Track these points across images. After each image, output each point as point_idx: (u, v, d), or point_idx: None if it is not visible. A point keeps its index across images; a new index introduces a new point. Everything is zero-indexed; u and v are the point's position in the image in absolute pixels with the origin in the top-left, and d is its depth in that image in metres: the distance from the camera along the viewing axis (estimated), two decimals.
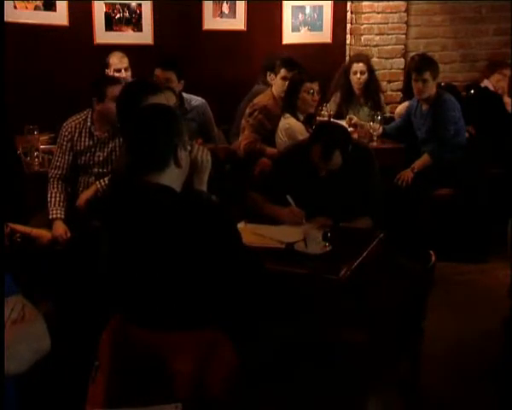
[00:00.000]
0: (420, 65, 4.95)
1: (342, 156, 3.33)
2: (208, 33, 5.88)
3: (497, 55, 6.25)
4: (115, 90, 3.75)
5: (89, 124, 3.87)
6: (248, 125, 4.86)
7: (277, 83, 4.95)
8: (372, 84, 5.48)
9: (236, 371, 2.21)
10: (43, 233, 3.68)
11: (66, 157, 3.88)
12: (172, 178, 2.18)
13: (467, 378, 3.30)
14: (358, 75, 5.44)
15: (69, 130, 3.88)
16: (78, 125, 3.88)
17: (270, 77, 5.34)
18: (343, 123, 5.32)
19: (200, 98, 4.86)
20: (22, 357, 1.31)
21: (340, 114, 5.44)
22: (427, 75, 4.80)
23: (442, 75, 5.20)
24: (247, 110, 4.93)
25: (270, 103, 4.84)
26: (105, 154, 3.87)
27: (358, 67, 5.45)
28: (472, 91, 5.61)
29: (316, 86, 4.61)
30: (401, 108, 5.48)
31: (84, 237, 3.58)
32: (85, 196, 3.81)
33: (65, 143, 3.88)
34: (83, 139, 3.87)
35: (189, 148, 2.29)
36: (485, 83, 5.78)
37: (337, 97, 5.57)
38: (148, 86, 2.98)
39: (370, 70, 5.49)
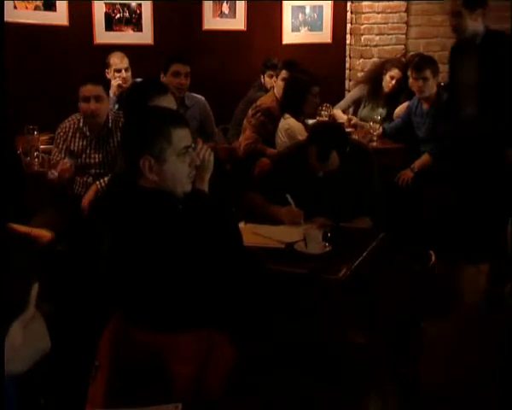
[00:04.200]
0: (420, 63, 4.95)
1: (339, 156, 3.32)
2: (208, 33, 5.88)
3: None
4: (83, 91, 3.78)
5: (81, 125, 3.88)
6: (250, 126, 4.87)
7: (278, 84, 4.96)
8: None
9: (236, 370, 2.21)
10: (43, 233, 3.67)
11: (62, 155, 3.90)
12: (155, 183, 2.13)
13: (467, 378, 3.30)
14: (393, 82, 5.40)
15: (64, 130, 3.91)
16: (72, 126, 3.90)
17: (264, 77, 5.36)
18: (344, 118, 5.36)
19: (199, 96, 4.87)
20: (22, 357, 1.31)
21: (357, 105, 5.51)
22: (428, 73, 4.80)
23: (442, 75, 5.20)
24: (250, 111, 4.94)
25: (272, 105, 4.85)
26: (100, 155, 3.88)
27: (394, 73, 5.40)
28: None
29: (318, 89, 4.64)
30: (400, 108, 5.48)
31: (84, 237, 3.58)
32: (88, 197, 3.82)
33: (61, 142, 3.91)
34: (76, 140, 3.89)
35: (193, 145, 2.26)
36: None
37: (363, 89, 5.58)
38: (157, 86, 2.98)
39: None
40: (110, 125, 3.88)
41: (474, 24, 3.96)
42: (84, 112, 3.84)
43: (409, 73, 5.23)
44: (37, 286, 1.21)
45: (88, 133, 3.87)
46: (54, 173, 3.75)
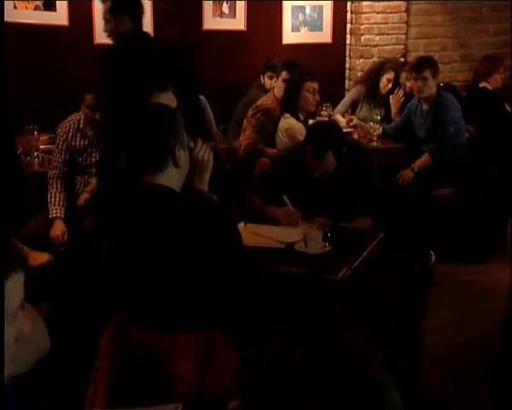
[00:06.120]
0: (419, 63, 4.95)
1: (336, 157, 3.31)
2: (208, 33, 5.88)
3: (497, 55, 6.24)
4: (89, 99, 3.78)
5: (81, 125, 3.89)
6: (250, 126, 4.86)
7: (278, 85, 4.95)
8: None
9: (237, 370, 2.21)
10: (35, 256, 3.48)
11: (63, 156, 3.90)
12: (171, 178, 2.17)
13: (467, 378, 3.30)
14: (390, 85, 5.43)
15: (64, 130, 3.91)
16: (72, 126, 3.91)
17: (264, 78, 5.37)
18: (343, 120, 5.37)
19: (199, 96, 4.87)
20: (22, 358, 1.31)
21: (355, 106, 5.54)
22: (427, 74, 4.80)
23: (442, 75, 5.19)
24: (250, 111, 4.93)
25: (272, 106, 4.85)
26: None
27: (391, 75, 5.43)
28: (471, 91, 5.61)
29: (316, 85, 4.61)
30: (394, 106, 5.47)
31: (83, 237, 3.58)
32: (84, 196, 3.83)
33: (61, 142, 3.91)
34: (78, 140, 3.90)
35: (191, 145, 2.28)
36: (483, 83, 5.77)
37: (360, 90, 5.59)
38: (156, 84, 2.97)
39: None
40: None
41: (122, 28, 4.04)
42: (87, 119, 3.83)
43: (403, 73, 5.28)
44: (22, 276, 1.19)
45: (89, 133, 3.87)
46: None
